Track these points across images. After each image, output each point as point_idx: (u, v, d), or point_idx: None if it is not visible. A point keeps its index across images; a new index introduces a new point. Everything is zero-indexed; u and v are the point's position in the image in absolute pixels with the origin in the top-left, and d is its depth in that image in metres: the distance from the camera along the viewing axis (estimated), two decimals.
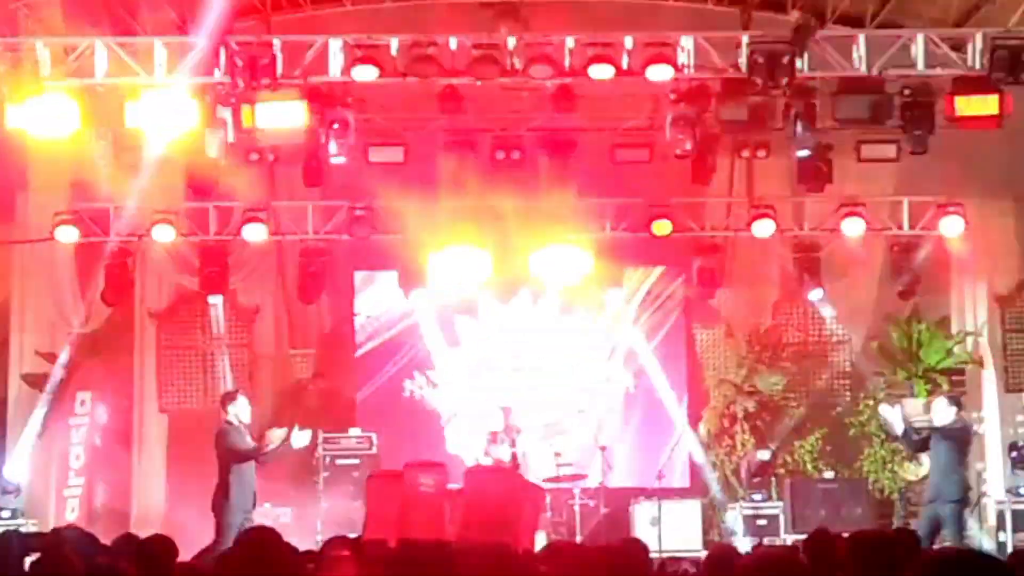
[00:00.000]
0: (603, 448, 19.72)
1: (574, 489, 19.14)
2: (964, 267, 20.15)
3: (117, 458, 20.19)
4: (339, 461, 19.59)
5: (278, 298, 20.92)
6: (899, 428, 16.06)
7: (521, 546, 14.32)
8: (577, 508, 18.96)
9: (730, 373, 20.79)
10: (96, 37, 16.33)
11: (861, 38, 16.53)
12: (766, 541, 18.48)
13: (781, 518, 19.23)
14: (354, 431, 20.04)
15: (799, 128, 16.76)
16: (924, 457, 17.34)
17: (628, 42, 16.26)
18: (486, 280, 20.32)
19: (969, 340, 20.37)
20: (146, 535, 9.12)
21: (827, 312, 20.53)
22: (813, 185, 18.38)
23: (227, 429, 15.59)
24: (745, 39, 16.27)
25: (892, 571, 6.63)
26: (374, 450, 19.74)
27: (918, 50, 16.30)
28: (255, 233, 19.13)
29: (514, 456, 18.62)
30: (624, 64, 16.26)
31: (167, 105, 15.98)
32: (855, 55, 16.35)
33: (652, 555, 9.23)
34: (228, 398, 16.02)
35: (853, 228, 19.20)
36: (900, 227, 19.71)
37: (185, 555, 8.76)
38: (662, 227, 19.11)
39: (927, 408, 17.17)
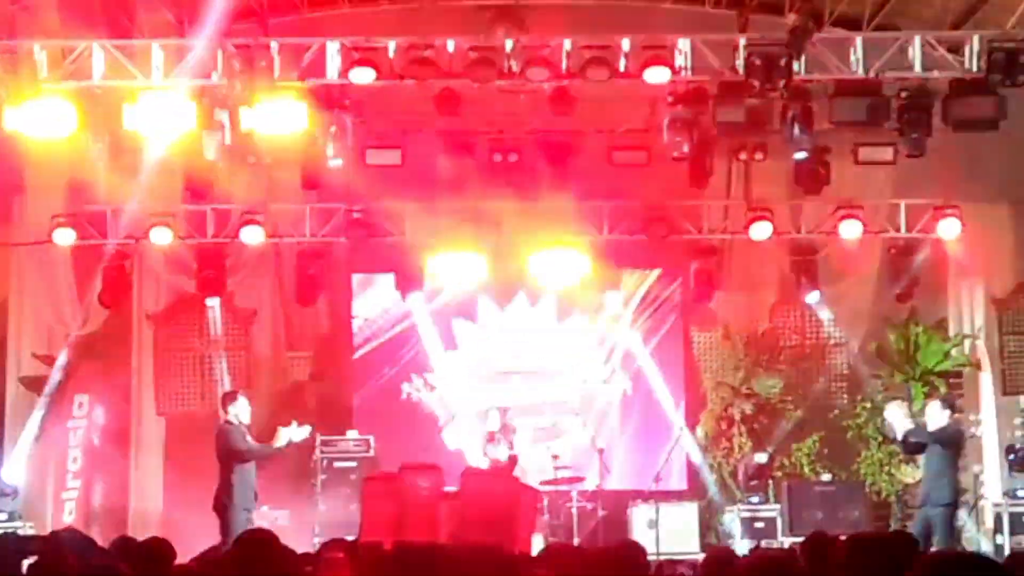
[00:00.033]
0: (600, 451, 19.71)
1: (572, 492, 19.12)
2: (961, 270, 20.18)
3: (114, 460, 20.18)
4: (337, 463, 19.58)
5: (275, 300, 20.92)
6: (902, 431, 16.01)
7: (517, 549, 14.31)
8: (575, 511, 18.94)
9: (727, 376, 20.79)
10: (93, 40, 16.34)
11: (858, 40, 16.56)
12: (764, 543, 18.48)
13: (778, 520, 19.24)
14: (352, 433, 20.03)
15: (796, 131, 16.77)
16: (921, 460, 17.35)
17: (625, 44, 16.29)
18: (484, 283, 20.34)
19: (966, 343, 20.39)
20: (143, 537, 9.12)
21: (824, 315, 20.54)
22: (810, 188, 18.39)
23: (228, 429, 15.60)
24: (742, 41, 16.30)
25: (890, 574, 6.63)
26: (372, 452, 19.73)
27: (915, 53, 16.33)
28: (253, 235, 19.13)
29: (511, 457, 18.63)
30: (621, 66, 16.28)
31: (164, 108, 15.99)
32: (852, 57, 16.38)
33: (650, 558, 9.22)
34: (229, 398, 16.04)
35: (850, 231, 19.21)
36: (897, 230, 19.73)
37: (182, 557, 8.75)
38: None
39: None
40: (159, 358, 20.68)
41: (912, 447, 16.43)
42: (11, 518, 18.19)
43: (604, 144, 18.38)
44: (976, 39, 16.29)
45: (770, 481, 19.95)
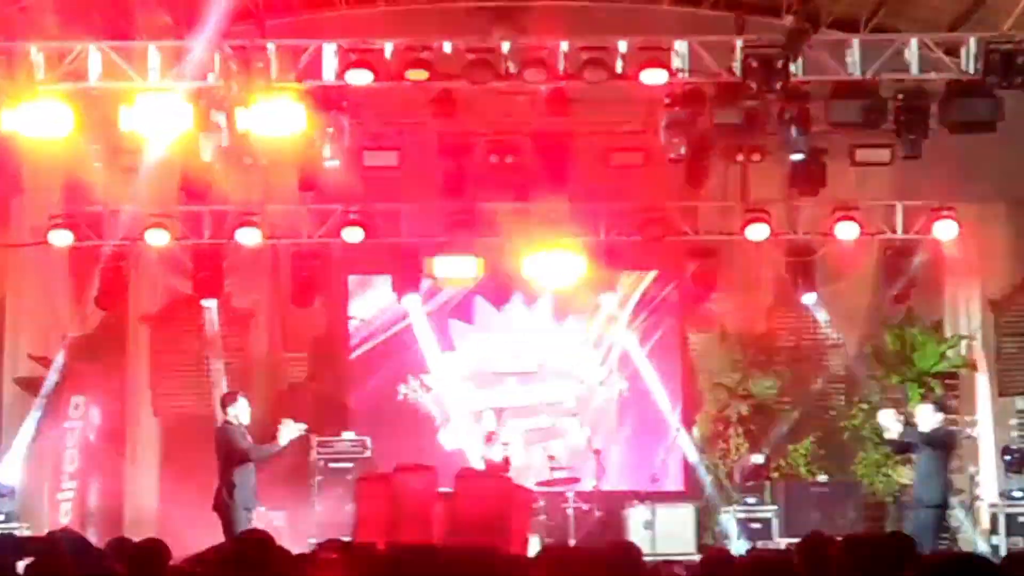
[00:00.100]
0: (597, 452, 19.73)
1: (568, 493, 19.13)
2: (957, 271, 20.18)
3: (110, 461, 20.17)
4: (333, 464, 19.58)
5: (272, 302, 20.91)
6: (895, 432, 16.06)
7: (511, 550, 14.32)
8: (571, 511, 18.95)
9: (724, 377, 20.79)
10: (90, 41, 16.35)
11: (855, 42, 16.56)
12: (760, 544, 18.49)
13: (775, 521, 19.24)
14: (348, 435, 20.03)
15: (793, 132, 16.79)
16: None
17: (622, 46, 16.29)
18: (480, 284, 20.34)
19: (963, 344, 20.38)
20: (139, 538, 9.11)
21: (821, 316, 20.53)
22: (807, 189, 18.40)
23: (229, 429, 15.62)
24: (739, 43, 16.30)
25: (886, 574, 6.63)
26: (368, 453, 19.74)
27: (912, 54, 16.34)
28: (249, 237, 19.13)
29: (506, 458, 18.64)
30: (618, 68, 16.28)
31: (161, 109, 15.99)
32: (849, 59, 16.38)
33: (646, 559, 9.21)
34: (228, 399, 16.05)
35: (847, 232, 19.21)
36: (894, 231, 19.73)
37: (178, 557, 8.75)
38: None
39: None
40: (155, 359, 20.69)
41: (901, 447, 16.51)
42: (7, 519, 18.19)
43: (601, 145, 18.41)
44: (973, 41, 16.30)
45: (766, 482, 19.94)
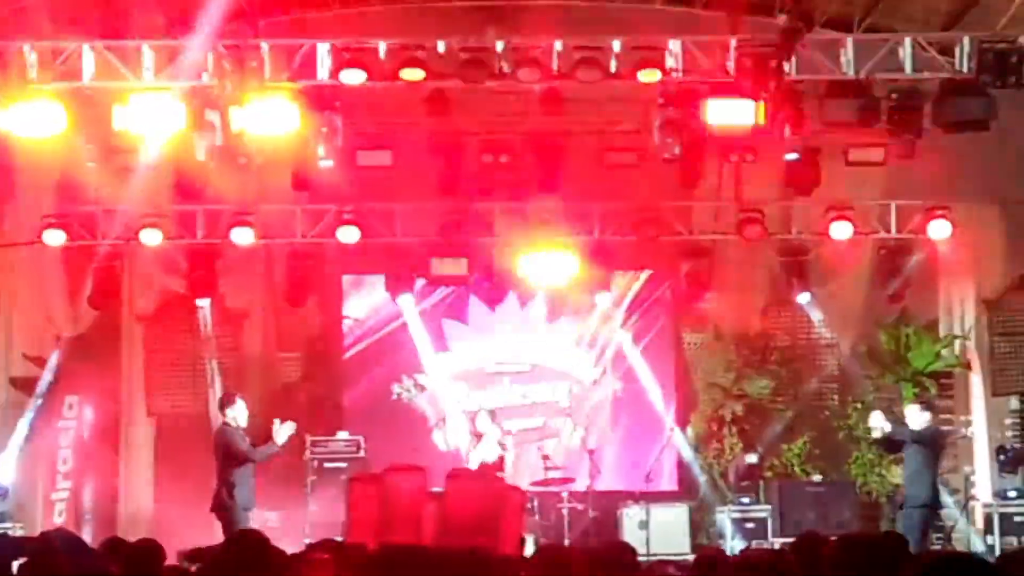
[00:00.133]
0: (591, 451, 19.74)
1: (562, 492, 19.13)
2: (952, 271, 20.18)
3: (105, 461, 20.17)
4: (327, 464, 19.58)
5: (266, 301, 20.90)
6: (884, 428, 16.12)
7: (503, 550, 14.33)
8: (565, 511, 18.95)
9: (718, 377, 20.80)
10: (84, 40, 16.32)
11: (849, 42, 16.57)
12: (754, 544, 18.51)
13: (769, 521, 19.25)
14: (342, 434, 20.04)
15: (787, 132, 16.77)
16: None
17: (616, 46, 16.28)
18: (474, 283, 20.33)
19: (957, 343, 20.39)
20: (134, 538, 9.11)
21: (815, 315, 20.54)
22: (801, 189, 18.41)
23: (228, 431, 15.65)
24: (733, 43, 16.30)
25: (880, 574, 6.63)
26: (362, 453, 19.74)
27: (906, 54, 16.35)
28: (243, 236, 19.11)
29: (500, 458, 18.63)
30: (612, 68, 16.28)
31: (155, 108, 15.98)
32: (843, 59, 16.39)
33: (640, 558, 9.22)
34: (227, 401, 16.07)
35: (841, 232, 19.21)
36: (888, 231, 19.73)
37: (172, 558, 8.74)
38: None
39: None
40: (149, 359, 20.67)
41: (891, 445, 16.55)
42: (1, 519, 18.16)
43: (595, 145, 18.39)
44: (967, 40, 16.31)
45: (761, 482, 19.96)
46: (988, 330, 20.38)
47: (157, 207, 19.02)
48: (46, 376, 19.43)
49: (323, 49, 16.36)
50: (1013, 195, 19.35)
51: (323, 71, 16.36)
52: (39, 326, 19.80)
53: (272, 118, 16.16)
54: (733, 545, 18.59)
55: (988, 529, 18.84)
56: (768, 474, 20.19)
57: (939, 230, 19.22)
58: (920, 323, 20.59)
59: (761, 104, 16.08)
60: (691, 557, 15.96)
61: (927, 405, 16.57)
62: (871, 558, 6.85)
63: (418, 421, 21.07)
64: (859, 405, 20.13)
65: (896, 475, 19.60)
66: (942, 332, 20.51)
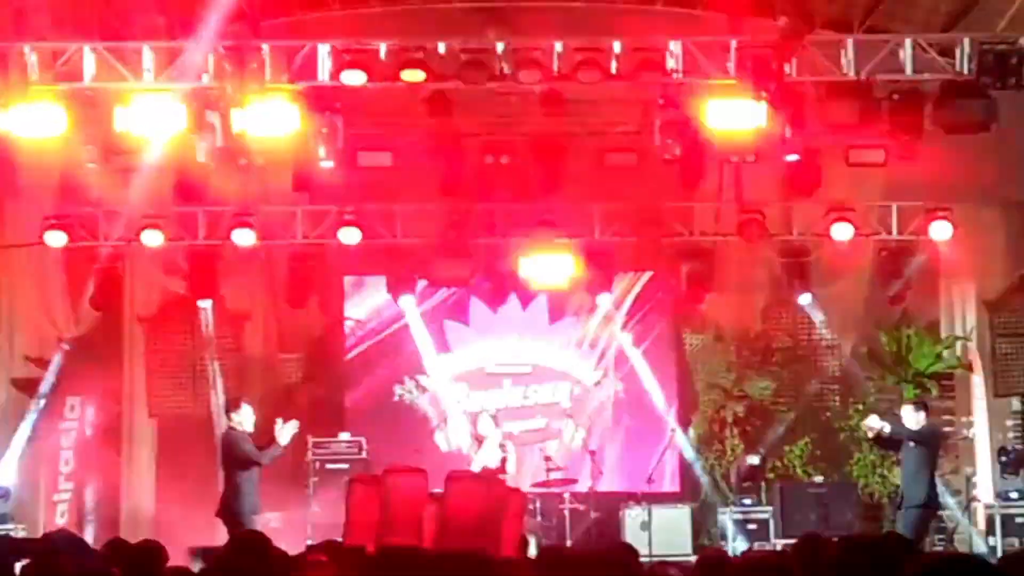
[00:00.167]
0: (593, 452, 19.74)
1: (564, 494, 19.12)
2: (953, 272, 20.18)
3: (107, 462, 20.16)
4: (329, 466, 19.59)
5: (267, 302, 20.92)
6: (881, 427, 16.12)
7: (503, 552, 14.31)
8: (567, 512, 18.95)
9: (719, 378, 20.81)
10: (84, 42, 16.32)
11: (849, 43, 16.56)
12: (756, 545, 18.51)
13: (771, 522, 19.25)
14: (344, 435, 20.05)
15: (787, 133, 16.77)
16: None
17: (617, 47, 16.27)
18: (475, 285, 20.33)
19: (958, 345, 20.40)
20: (136, 538, 9.11)
21: (816, 317, 20.54)
22: (802, 190, 18.39)
23: (236, 435, 15.67)
24: (734, 44, 16.29)
25: (882, 575, 6.63)
26: (364, 454, 19.75)
27: (906, 55, 16.34)
28: (244, 237, 19.10)
29: (502, 460, 18.61)
30: (613, 69, 16.27)
31: (156, 109, 15.98)
32: (843, 60, 16.38)
33: (642, 560, 9.22)
34: (232, 405, 16.10)
35: (842, 233, 19.20)
36: (889, 232, 19.72)
37: (175, 558, 8.74)
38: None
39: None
40: (151, 360, 20.66)
41: (889, 444, 16.54)
42: (3, 520, 18.15)
43: (596, 146, 18.38)
44: (967, 41, 16.30)
45: (763, 483, 19.95)
46: (989, 331, 20.37)
47: (158, 208, 19.00)
48: (48, 377, 19.43)
49: (323, 50, 16.36)
50: (1014, 196, 19.36)
51: (324, 72, 16.36)
52: (41, 327, 19.80)
53: (273, 119, 16.15)
54: (735, 546, 18.59)
55: (990, 530, 18.82)
56: (770, 475, 20.18)
57: (940, 231, 19.21)
58: (921, 324, 20.59)
59: (763, 106, 16.06)
60: (693, 558, 15.96)
61: (921, 404, 16.54)
62: (873, 559, 6.85)
63: (420, 422, 21.08)
64: (860, 406, 20.11)
65: (898, 476, 19.60)
66: (943, 333, 20.52)
